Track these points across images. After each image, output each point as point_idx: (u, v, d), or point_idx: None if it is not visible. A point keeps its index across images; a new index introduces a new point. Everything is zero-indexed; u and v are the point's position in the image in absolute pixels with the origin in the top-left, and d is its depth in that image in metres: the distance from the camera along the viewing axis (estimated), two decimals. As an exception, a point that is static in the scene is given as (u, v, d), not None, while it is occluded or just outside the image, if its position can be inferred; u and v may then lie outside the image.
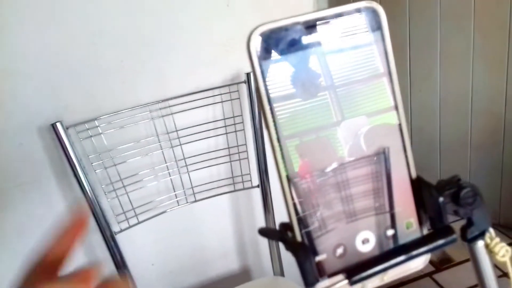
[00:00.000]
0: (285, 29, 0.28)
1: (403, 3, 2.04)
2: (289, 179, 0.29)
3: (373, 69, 0.31)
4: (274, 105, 0.29)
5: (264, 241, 1.25)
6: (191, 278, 1.32)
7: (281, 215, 1.23)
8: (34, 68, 1.00)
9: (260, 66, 0.28)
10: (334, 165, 0.30)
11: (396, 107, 0.31)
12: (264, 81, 0.28)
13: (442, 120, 2.08)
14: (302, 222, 0.29)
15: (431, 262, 1.92)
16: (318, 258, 0.29)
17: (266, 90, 0.28)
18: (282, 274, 1.24)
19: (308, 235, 0.29)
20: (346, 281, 0.28)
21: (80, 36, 1.02)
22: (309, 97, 0.29)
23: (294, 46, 0.29)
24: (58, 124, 0.96)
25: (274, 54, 0.28)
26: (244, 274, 1.37)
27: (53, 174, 1.08)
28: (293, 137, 0.29)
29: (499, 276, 0.34)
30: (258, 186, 1.17)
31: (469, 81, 1.93)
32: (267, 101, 0.28)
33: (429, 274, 1.87)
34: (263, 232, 0.31)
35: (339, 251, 0.30)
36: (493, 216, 2.06)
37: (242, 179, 1.19)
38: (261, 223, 1.22)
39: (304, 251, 0.28)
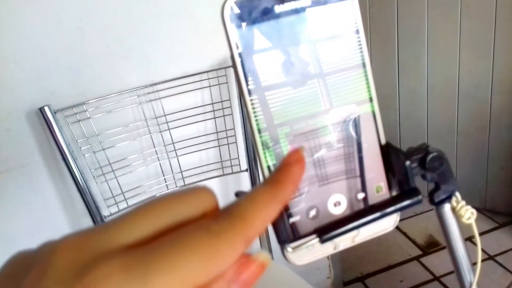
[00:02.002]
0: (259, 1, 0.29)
1: (391, -10, 2.05)
2: (263, 143, 0.30)
3: (350, 60, 0.32)
4: (252, 96, 0.30)
5: (253, 225, 1.27)
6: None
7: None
8: (20, 53, 1.00)
9: (239, 51, 0.29)
10: (325, 146, 0.31)
11: (371, 99, 0.32)
12: (245, 71, 0.30)
13: (430, 106, 2.11)
14: (276, 185, 0.31)
15: (418, 245, 1.96)
16: (292, 220, 0.31)
17: (247, 80, 0.30)
18: (272, 257, 1.26)
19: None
20: (317, 240, 0.30)
21: (66, 21, 1.02)
22: (294, 85, 0.31)
23: (273, 23, 0.30)
24: (46, 108, 0.97)
25: (252, 30, 0.30)
26: (234, 258, 1.39)
27: (42, 158, 1.08)
28: (284, 125, 0.30)
29: (466, 239, 0.36)
30: (246, 170, 1.19)
31: (456, 68, 1.96)
32: (247, 91, 0.30)
33: (417, 258, 1.91)
34: (239, 195, 0.33)
35: (312, 213, 0.31)
36: (479, 201, 2.10)
37: (231, 164, 1.20)
38: (250, 206, 1.24)
39: (276, 211, 0.29)
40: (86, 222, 1.09)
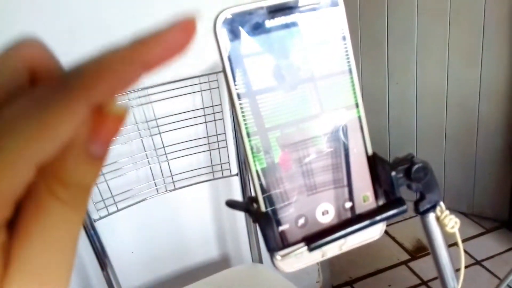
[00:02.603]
0: (250, 13, 0.30)
1: (382, -3, 2.08)
2: (253, 156, 0.31)
3: (337, 66, 0.33)
4: (242, 100, 0.31)
5: (243, 229, 1.28)
6: (171, 266, 1.34)
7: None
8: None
9: (229, 58, 0.30)
10: (313, 155, 0.32)
11: (357, 105, 0.33)
12: (233, 75, 0.30)
13: (419, 111, 2.13)
14: (266, 193, 0.31)
15: (406, 250, 1.98)
16: (281, 228, 0.32)
17: (235, 84, 0.30)
18: (261, 261, 1.27)
19: (272, 206, 0.31)
20: (305, 248, 0.31)
21: (56, 24, 1.02)
22: (282, 90, 0.31)
23: (262, 33, 0.31)
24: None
25: (243, 41, 0.30)
26: (223, 262, 1.40)
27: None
28: (273, 130, 0.31)
29: (450, 245, 0.37)
30: (237, 174, 1.20)
31: (445, 75, 1.98)
32: (236, 95, 0.30)
33: (405, 262, 1.92)
34: (230, 204, 0.34)
35: (301, 221, 0.32)
36: (466, 206, 2.13)
37: (221, 168, 1.21)
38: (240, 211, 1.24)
39: (266, 219, 0.30)
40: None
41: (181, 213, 1.30)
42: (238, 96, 0.30)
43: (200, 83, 1.14)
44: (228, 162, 1.21)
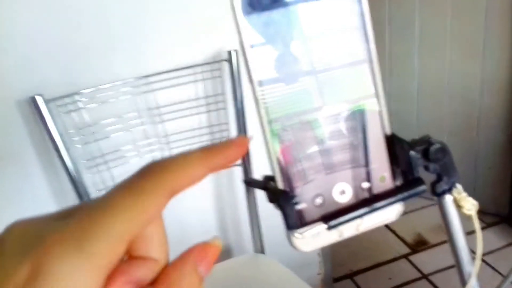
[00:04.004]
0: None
1: (384, -11, 2.07)
2: (271, 131, 0.30)
3: (355, 55, 0.32)
4: (262, 87, 0.30)
5: (245, 219, 1.27)
6: (171, 256, 1.33)
7: (261, 194, 1.25)
8: (11, 42, 0.99)
9: (250, 41, 0.30)
10: (314, 148, 0.31)
11: (377, 94, 0.32)
12: (252, 62, 0.30)
13: (419, 105, 2.13)
14: (283, 172, 0.31)
15: (407, 244, 1.98)
16: (298, 207, 0.31)
17: (254, 71, 0.30)
18: (263, 252, 1.27)
19: (289, 185, 0.31)
20: (324, 226, 0.30)
21: (60, 11, 1.01)
22: (291, 81, 0.31)
23: (283, 15, 0.30)
24: (38, 98, 0.96)
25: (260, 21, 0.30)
26: (225, 252, 1.40)
27: (33, 148, 1.07)
28: (276, 122, 0.31)
29: (467, 233, 0.36)
30: (239, 164, 1.19)
31: (445, 68, 1.98)
32: (256, 81, 0.30)
33: (405, 256, 1.93)
34: (247, 182, 0.33)
35: (318, 200, 0.32)
36: (466, 200, 2.13)
37: (224, 158, 1.20)
38: (242, 201, 1.24)
39: (285, 196, 0.29)
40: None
41: (182, 203, 1.28)
42: (259, 82, 0.30)
43: (202, 72, 1.14)
44: (231, 152, 1.20)
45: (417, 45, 2.02)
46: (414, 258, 1.91)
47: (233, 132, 1.19)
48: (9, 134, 1.04)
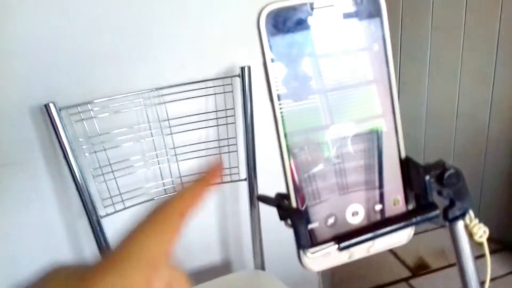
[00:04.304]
0: (294, 9, 0.30)
1: (397, 12, 2.09)
2: (288, 149, 0.31)
3: (365, 76, 0.33)
4: (281, 100, 0.31)
5: (247, 235, 1.27)
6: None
7: (266, 210, 1.25)
8: (28, 49, 1.00)
9: (271, 56, 0.30)
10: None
11: (394, 117, 0.33)
12: (274, 73, 0.30)
13: (428, 127, 2.13)
14: (297, 191, 0.31)
15: (407, 267, 1.96)
16: (310, 226, 0.31)
17: (274, 86, 0.31)
18: (263, 268, 1.26)
19: (303, 204, 0.31)
20: (335, 247, 0.30)
21: (77, 20, 1.02)
22: (321, 91, 0.31)
23: (304, 32, 0.31)
24: (51, 105, 0.97)
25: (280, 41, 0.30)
26: (225, 267, 1.39)
27: (41, 155, 1.08)
28: (308, 132, 0.31)
29: (476, 257, 0.36)
30: (245, 179, 1.19)
31: (456, 92, 1.98)
32: (276, 96, 0.31)
33: (405, 279, 1.91)
34: (261, 198, 0.33)
35: (330, 220, 0.32)
36: (470, 226, 2.11)
37: (230, 172, 1.21)
38: (246, 217, 1.24)
39: (299, 215, 0.30)
40: (82, 222, 1.08)
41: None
42: (278, 95, 0.30)
43: (214, 86, 1.15)
44: (237, 167, 1.21)
45: (428, 70, 2.03)
46: (415, 282, 1.89)
47: (241, 146, 1.19)
48: (20, 140, 1.05)
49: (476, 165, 2.02)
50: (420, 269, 1.95)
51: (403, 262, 1.99)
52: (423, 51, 2.02)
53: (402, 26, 2.05)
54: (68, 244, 1.16)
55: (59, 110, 0.98)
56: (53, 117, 0.97)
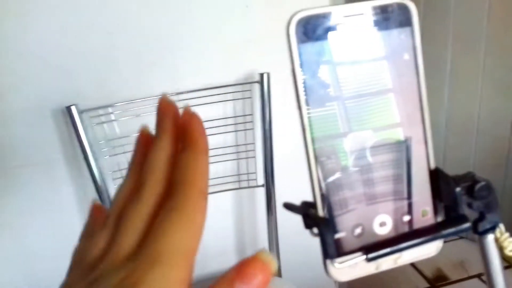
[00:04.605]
0: (324, 16, 0.30)
1: (416, 20, 2.07)
2: (316, 157, 0.30)
3: (395, 85, 0.32)
4: (309, 106, 0.31)
5: (264, 241, 1.27)
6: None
7: (283, 216, 1.24)
8: (50, 52, 1.02)
9: (300, 62, 0.30)
10: (375, 165, 0.31)
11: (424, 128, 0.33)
12: (303, 84, 0.30)
13: (447, 139, 2.10)
14: (324, 200, 0.31)
15: (425, 278, 1.93)
16: (337, 236, 0.31)
17: (303, 93, 0.30)
18: (280, 275, 1.25)
19: (330, 213, 0.31)
20: (363, 257, 0.30)
21: (98, 24, 1.04)
22: (350, 98, 0.31)
23: (333, 39, 0.30)
24: (73, 108, 0.98)
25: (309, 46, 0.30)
26: (241, 273, 1.38)
27: (62, 157, 1.09)
28: (339, 136, 0.31)
29: (505, 268, 0.35)
30: (263, 185, 1.19)
31: (476, 103, 1.95)
32: (304, 96, 0.30)
33: (423, 290, 1.88)
34: (287, 206, 0.33)
35: (358, 231, 0.31)
36: (490, 238, 2.07)
37: (248, 178, 1.20)
38: (263, 223, 1.24)
39: (326, 224, 0.29)
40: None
41: (203, 220, 1.29)
42: (306, 101, 0.30)
43: (233, 92, 1.15)
44: (255, 172, 1.21)
45: (448, 79, 2.01)
46: (433, 293, 1.86)
47: (259, 152, 1.19)
48: (42, 142, 1.06)
49: (496, 177, 1.98)
50: (439, 280, 1.92)
51: (421, 273, 1.96)
52: (442, 61, 2.00)
53: (422, 36, 2.03)
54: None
55: (80, 113, 0.99)
56: (75, 119, 0.99)
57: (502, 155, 1.94)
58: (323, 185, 0.31)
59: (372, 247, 0.30)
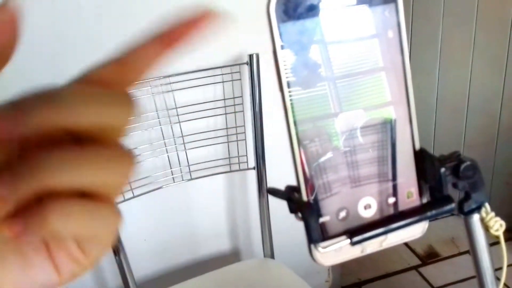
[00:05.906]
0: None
1: (407, -2, 2.05)
2: (299, 140, 0.30)
3: (378, 63, 0.32)
4: (291, 88, 0.30)
5: (256, 224, 1.27)
6: (182, 256, 1.34)
7: (275, 199, 1.24)
8: (35, 37, 1.00)
9: (281, 43, 0.29)
10: (359, 147, 0.31)
11: (409, 107, 0.32)
12: (284, 61, 0.29)
13: (438, 117, 2.10)
14: (308, 184, 0.30)
15: (417, 255, 1.96)
16: (322, 220, 0.30)
17: (285, 74, 0.29)
18: (272, 256, 1.26)
19: (314, 197, 0.30)
20: (348, 241, 0.30)
21: (84, 7, 1.02)
22: (332, 79, 0.30)
23: (314, 19, 0.30)
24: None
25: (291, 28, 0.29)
26: (234, 255, 1.39)
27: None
28: (322, 118, 0.30)
29: (492, 244, 0.35)
30: (254, 168, 1.19)
31: (467, 80, 1.95)
32: (286, 84, 0.29)
33: (415, 267, 1.90)
34: (271, 191, 0.33)
35: (342, 214, 0.31)
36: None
37: (239, 160, 1.20)
38: (255, 205, 1.24)
39: (310, 209, 0.29)
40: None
41: (195, 204, 1.29)
42: (288, 83, 0.29)
43: (222, 74, 1.13)
44: (246, 155, 1.20)
45: (440, 57, 2.00)
46: (424, 270, 1.89)
47: (249, 134, 1.18)
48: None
49: (487, 154, 1.99)
50: (430, 257, 1.94)
51: (413, 251, 1.98)
52: (434, 38, 1.98)
53: (413, 12, 2.02)
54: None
55: (67, 99, 0.97)
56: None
57: (493, 132, 1.95)
58: (306, 168, 0.30)
59: (357, 231, 0.30)
